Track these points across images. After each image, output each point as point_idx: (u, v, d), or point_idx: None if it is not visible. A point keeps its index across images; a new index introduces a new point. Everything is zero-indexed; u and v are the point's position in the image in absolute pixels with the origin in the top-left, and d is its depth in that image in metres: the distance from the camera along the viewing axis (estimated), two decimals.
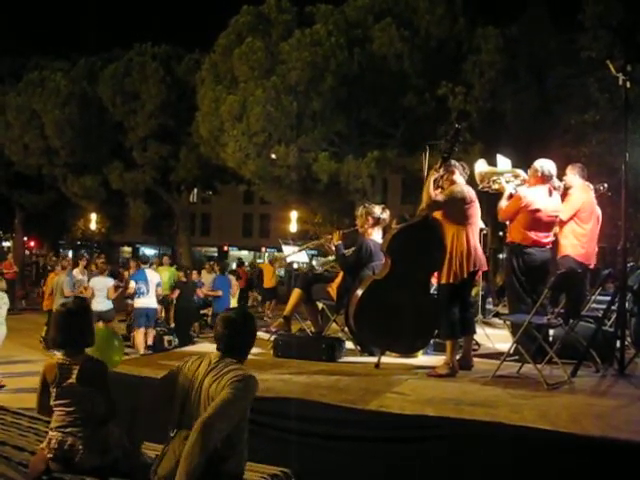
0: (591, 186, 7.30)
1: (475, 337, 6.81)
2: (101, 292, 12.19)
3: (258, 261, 41.89)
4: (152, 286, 12.34)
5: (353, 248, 7.21)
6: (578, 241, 6.81)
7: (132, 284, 12.38)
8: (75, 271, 13.83)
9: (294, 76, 21.40)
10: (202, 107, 24.26)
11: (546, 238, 6.50)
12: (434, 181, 5.93)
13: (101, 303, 12.07)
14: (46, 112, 27.74)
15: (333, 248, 7.17)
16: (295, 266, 10.39)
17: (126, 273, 14.44)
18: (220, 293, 14.57)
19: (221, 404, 3.32)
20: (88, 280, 13.63)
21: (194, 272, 16.09)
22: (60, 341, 4.10)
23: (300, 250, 9.59)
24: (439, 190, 5.99)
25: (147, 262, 13.75)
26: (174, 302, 14.63)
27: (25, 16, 55.92)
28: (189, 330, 14.41)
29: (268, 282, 21.69)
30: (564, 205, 6.74)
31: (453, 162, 6.03)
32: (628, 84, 6.06)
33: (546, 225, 6.47)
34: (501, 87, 20.95)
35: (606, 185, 7.47)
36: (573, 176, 6.98)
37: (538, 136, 19.86)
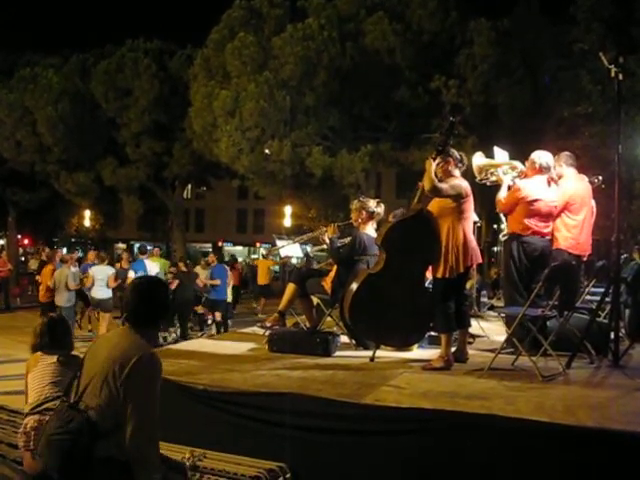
0: (585, 178, 7.30)
1: (470, 330, 6.82)
2: (102, 281, 12.40)
3: (253, 256, 41.85)
4: None
5: (348, 238, 7.21)
6: (569, 233, 6.79)
7: (131, 274, 12.49)
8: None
9: (287, 71, 21.40)
10: (195, 102, 24.23)
11: (546, 228, 6.54)
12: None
13: (100, 291, 12.31)
14: (38, 109, 27.65)
15: (327, 241, 7.17)
16: (294, 261, 10.42)
17: (118, 265, 14.45)
18: (218, 282, 14.62)
19: (139, 404, 3.13)
20: (82, 272, 13.75)
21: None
22: (45, 343, 4.48)
23: (294, 242, 9.58)
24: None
25: (145, 252, 13.82)
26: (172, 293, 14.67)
27: (17, 12, 55.66)
28: (187, 321, 14.43)
29: (262, 279, 21.57)
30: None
31: (451, 152, 6.02)
32: (620, 76, 6.04)
33: (545, 215, 6.50)
34: (494, 80, 20.98)
35: (600, 178, 7.46)
36: (560, 167, 6.96)
37: (531, 129, 19.91)
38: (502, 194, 6.72)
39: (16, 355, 11.62)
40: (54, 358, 4.36)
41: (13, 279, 25.31)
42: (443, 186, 5.87)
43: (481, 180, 7.12)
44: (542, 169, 6.53)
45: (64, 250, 38.07)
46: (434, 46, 22.02)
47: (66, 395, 3.37)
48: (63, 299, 12.92)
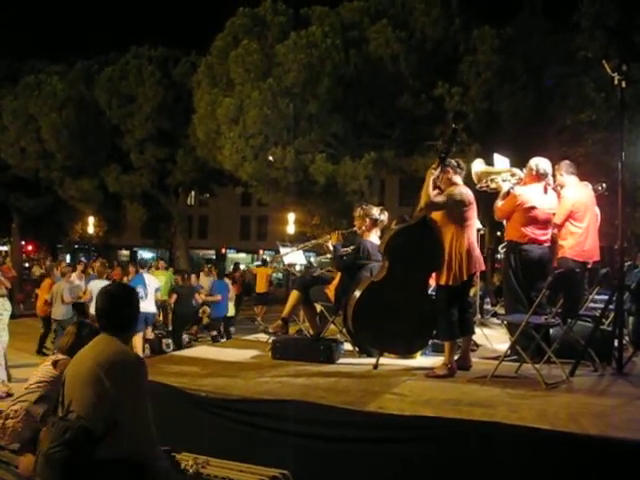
0: (589, 186, 7.30)
1: (473, 338, 6.81)
2: None
3: (255, 263, 41.84)
4: (150, 290, 12.30)
5: (351, 247, 7.22)
6: (576, 241, 6.80)
7: None
8: (73, 276, 13.85)
9: (290, 78, 21.44)
10: (199, 110, 24.30)
11: (544, 235, 6.51)
12: (432, 181, 5.93)
13: None
14: (43, 115, 27.77)
15: (331, 248, 7.17)
16: (297, 268, 10.43)
17: (125, 279, 14.35)
18: (219, 298, 14.53)
19: (132, 405, 3.19)
20: (86, 284, 13.66)
21: (192, 276, 15.97)
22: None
23: (298, 249, 9.57)
24: (437, 191, 5.99)
25: (145, 266, 13.72)
26: (172, 307, 14.61)
27: (21, 19, 55.91)
28: (182, 334, 14.35)
29: (261, 287, 21.31)
30: (558, 209, 6.73)
31: (448, 161, 6.02)
32: (624, 84, 6.05)
33: (543, 222, 6.48)
34: (497, 87, 20.99)
35: (605, 185, 7.46)
36: (561, 176, 6.98)
37: (534, 136, 19.88)
38: (500, 202, 6.72)
39: (17, 361, 11.65)
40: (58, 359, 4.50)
41: (17, 285, 25.31)
42: (439, 199, 5.88)
43: (480, 187, 7.11)
44: (540, 176, 6.52)
45: (67, 257, 38.13)
46: (437, 53, 22.05)
47: (55, 410, 3.39)
48: (59, 312, 12.82)
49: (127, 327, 3.49)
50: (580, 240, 6.81)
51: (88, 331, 4.71)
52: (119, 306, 3.44)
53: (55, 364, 4.58)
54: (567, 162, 7.13)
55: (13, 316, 11.65)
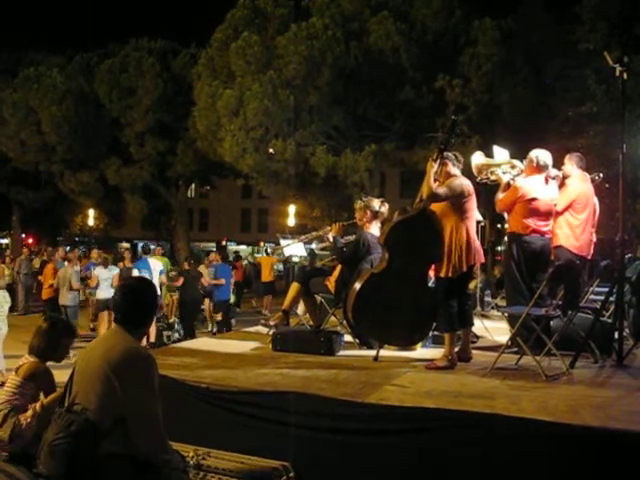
0: (587, 176, 7.29)
1: (474, 329, 6.81)
2: (106, 281, 12.44)
3: (256, 255, 41.80)
4: (155, 274, 12.43)
5: (353, 236, 7.20)
6: (572, 232, 6.79)
7: (135, 272, 12.45)
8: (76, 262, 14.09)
9: (291, 70, 21.41)
10: (199, 102, 24.27)
11: (545, 227, 6.52)
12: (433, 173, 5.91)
13: (106, 291, 12.32)
14: (42, 108, 27.74)
15: (331, 240, 7.17)
16: (296, 259, 10.40)
17: (121, 264, 14.42)
18: (223, 282, 14.62)
19: (142, 401, 3.22)
20: (80, 270, 13.74)
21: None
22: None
23: (299, 241, 9.58)
24: (437, 183, 5.98)
25: (149, 252, 13.83)
26: (176, 292, 14.73)
27: (21, 12, 55.76)
28: (194, 320, 14.45)
29: (266, 276, 21.33)
30: (560, 196, 6.73)
31: (445, 154, 6.00)
32: (625, 75, 6.04)
33: (544, 214, 6.48)
34: (498, 79, 20.95)
35: (601, 175, 7.46)
36: (571, 166, 6.98)
37: (536, 128, 19.86)
38: (500, 194, 6.71)
39: (22, 352, 11.66)
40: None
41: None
42: (441, 190, 5.86)
43: (481, 180, 7.11)
44: (540, 167, 6.51)
45: (67, 249, 38.00)
46: (438, 45, 22.00)
47: (61, 403, 3.40)
48: (67, 298, 12.93)
49: (142, 324, 3.50)
50: (576, 231, 6.81)
51: (61, 330, 4.62)
52: (138, 303, 3.45)
53: (17, 370, 4.50)
54: (579, 155, 7.14)
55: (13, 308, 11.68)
